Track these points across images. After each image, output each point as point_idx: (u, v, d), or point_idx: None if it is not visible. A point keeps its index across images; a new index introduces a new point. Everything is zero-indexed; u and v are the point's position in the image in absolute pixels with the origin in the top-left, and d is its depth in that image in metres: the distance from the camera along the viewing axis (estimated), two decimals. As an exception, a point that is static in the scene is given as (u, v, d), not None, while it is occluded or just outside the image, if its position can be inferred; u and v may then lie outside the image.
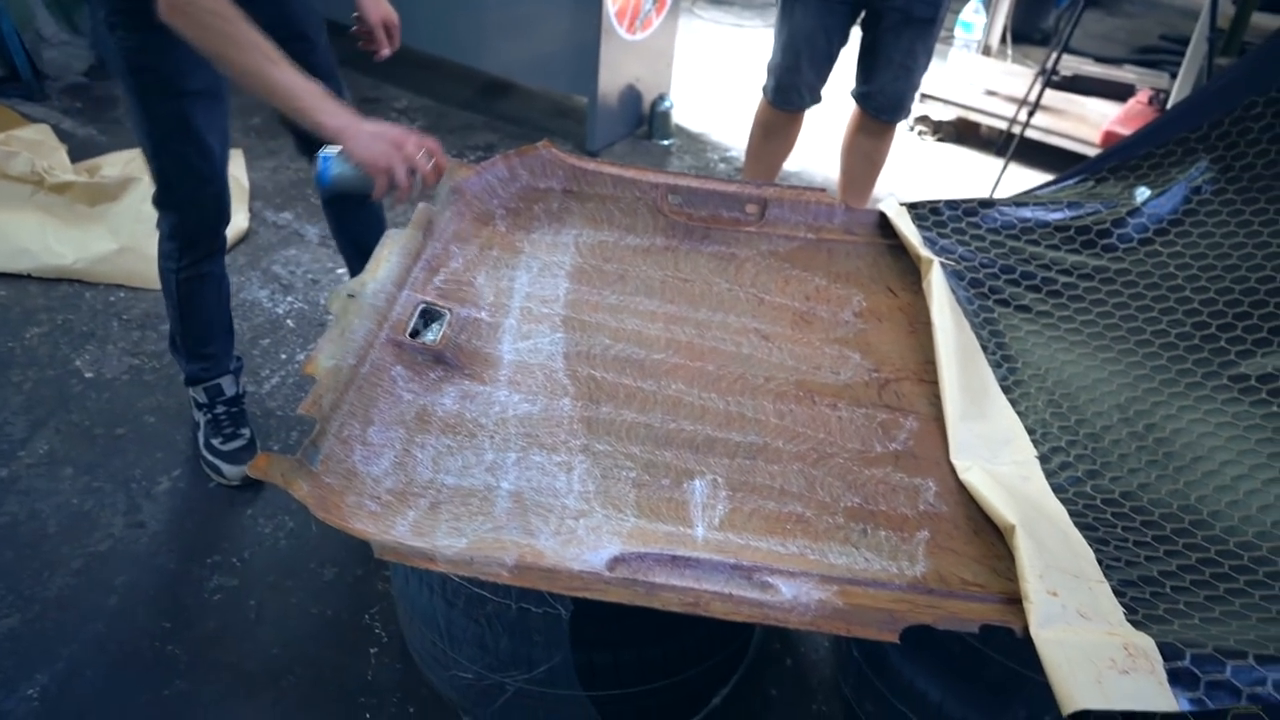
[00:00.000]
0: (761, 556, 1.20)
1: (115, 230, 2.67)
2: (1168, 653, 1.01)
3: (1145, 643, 1.03)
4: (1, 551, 1.83)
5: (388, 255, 1.59)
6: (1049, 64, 3.25)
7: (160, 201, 1.86)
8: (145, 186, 2.71)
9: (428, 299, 1.56)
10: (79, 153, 3.13)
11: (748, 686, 1.68)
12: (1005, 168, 3.14)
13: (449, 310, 1.55)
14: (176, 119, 1.75)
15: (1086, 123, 3.71)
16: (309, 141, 1.69)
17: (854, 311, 1.72)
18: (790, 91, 2.72)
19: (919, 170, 3.61)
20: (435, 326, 1.53)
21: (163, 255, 1.94)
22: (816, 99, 2.75)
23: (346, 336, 1.40)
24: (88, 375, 2.29)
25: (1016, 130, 3.29)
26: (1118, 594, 1.14)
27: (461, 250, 1.72)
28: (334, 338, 1.39)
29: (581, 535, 1.20)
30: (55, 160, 2.90)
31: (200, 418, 2.05)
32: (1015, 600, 1.13)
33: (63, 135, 3.21)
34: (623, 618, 1.39)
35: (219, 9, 1.47)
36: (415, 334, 1.50)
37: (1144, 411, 1.47)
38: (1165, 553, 1.23)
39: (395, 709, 1.61)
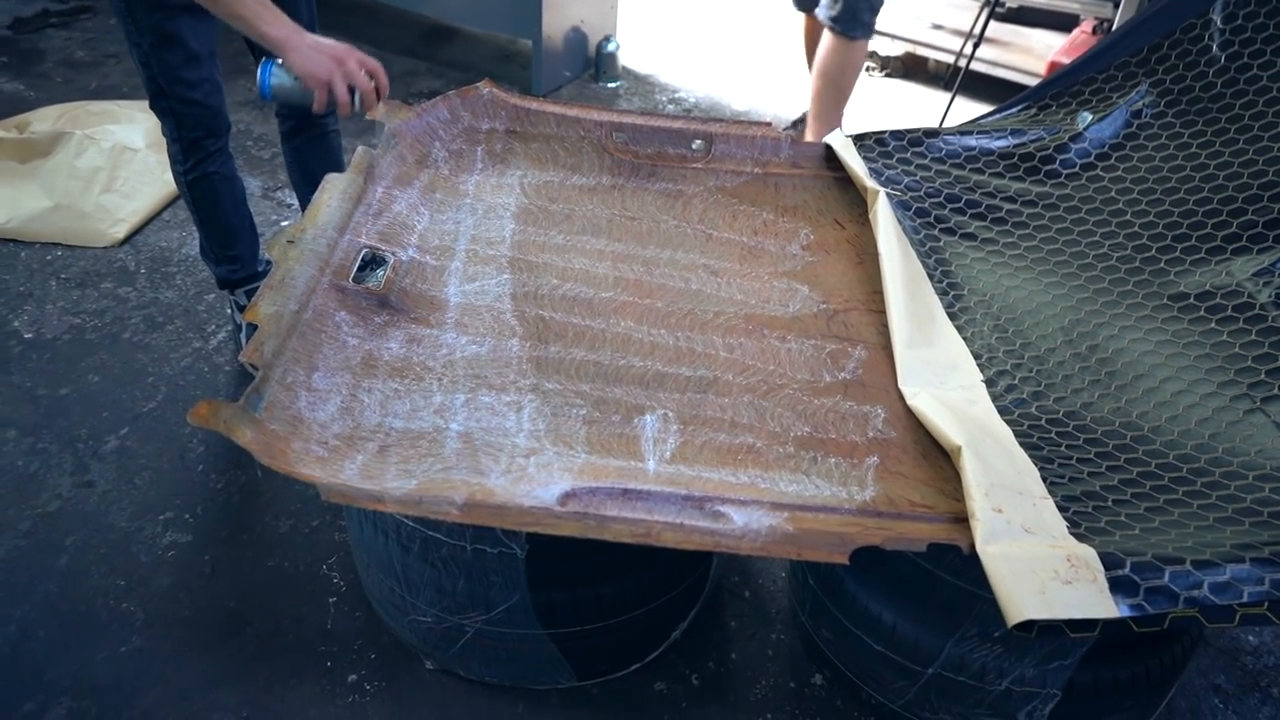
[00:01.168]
0: (713, 487, 1.21)
1: (49, 188, 2.59)
2: (1109, 562, 1.04)
3: (1087, 553, 1.05)
4: (-55, 517, 1.80)
5: (327, 200, 1.56)
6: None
7: (154, 107, 1.90)
8: (77, 141, 2.62)
9: (370, 243, 1.53)
10: (5, 109, 3.02)
11: (707, 619, 1.70)
12: (952, 101, 3.14)
13: (392, 254, 1.53)
14: (161, 30, 1.77)
15: (1032, 54, 3.72)
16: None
17: (801, 245, 1.72)
18: None
19: (867, 106, 3.60)
20: (379, 271, 1.51)
21: (170, 160, 1.99)
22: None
23: (287, 283, 1.38)
24: (27, 336, 2.23)
25: (963, 64, 3.29)
26: (1061, 509, 1.16)
27: (404, 193, 1.69)
28: (273, 284, 1.37)
29: (532, 473, 1.20)
30: (-19, 117, 2.79)
31: (244, 321, 2.03)
32: (962, 519, 1.15)
33: (-14, 92, 3.10)
34: (579, 555, 1.40)
35: None
36: (360, 279, 1.47)
37: (1086, 333, 1.49)
38: (1107, 468, 1.25)
39: (356, 655, 1.61)
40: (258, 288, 2.03)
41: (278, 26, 1.58)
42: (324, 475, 1.14)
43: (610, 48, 3.56)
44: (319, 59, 1.60)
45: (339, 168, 2.16)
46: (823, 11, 2.78)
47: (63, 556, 1.74)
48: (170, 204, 2.73)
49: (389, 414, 1.29)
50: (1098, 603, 1.01)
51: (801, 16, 3.07)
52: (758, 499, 1.18)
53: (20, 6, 3.74)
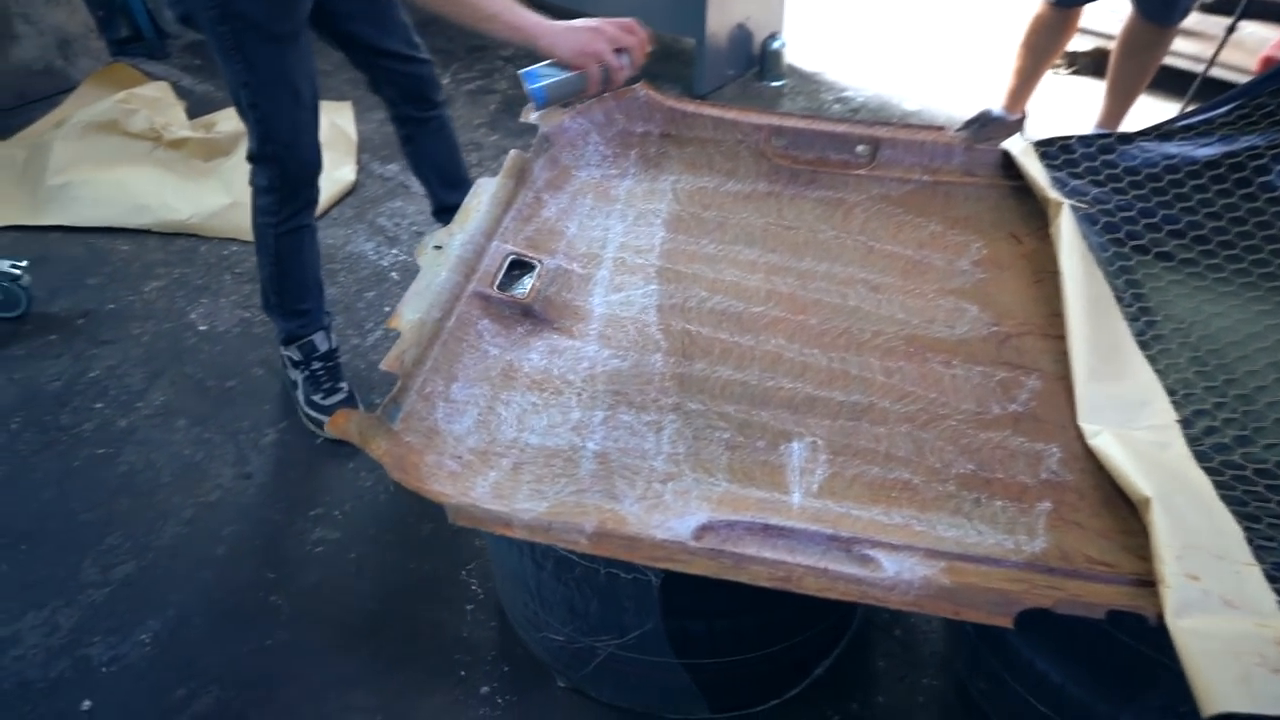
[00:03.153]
0: (862, 527, 1.11)
1: (228, 184, 2.72)
2: (1329, 650, 0.89)
3: (1302, 637, 0.90)
4: (119, 500, 1.89)
5: (477, 205, 1.54)
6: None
7: (259, 154, 1.85)
8: (255, 141, 2.74)
9: (517, 250, 1.50)
10: (197, 109, 3.19)
11: (853, 657, 1.60)
12: (1185, 108, 2.89)
13: (539, 261, 1.50)
14: (271, 65, 1.74)
15: (1243, 48, 3.37)
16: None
17: (972, 260, 1.59)
18: None
19: (1052, 107, 3.37)
20: (526, 279, 1.48)
21: (260, 211, 1.93)
22: None
23: (432, 289, 1.36)
24: (201, 328, 2.33)
25: (1167, 62, 3.02)
26: (1270, 579, 1.01)
27: (554, 199, 1.65)
28: (419, 290, 1.36)
29: (668, 500, 1.14)
30: (172, 116, 2.96)
31: (297, 376, 2.06)
32: (1149, 583, 1.02)
33: (182, 92, 3.28)
34: (716, 585, 1.32)
35: None
36: (504, 286, 1.45)
37: (1306, 370, 1.31)
38: (1328, 532, 1.08)
39: (490, 666, 1.59)
40: (311, 342, 2.05)
41: (529, 16, 1.52)
42: (455, 492, 1.11)
43: (776, 45, 3.46)
44: (579, 35, 1.51)
45: (453, 146, 2.17)
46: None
47: (220, 546, 1.80)
48: (338, 202, 2.82)
49: (525, 429, 1.25)
50: (1314, 698, 0.87)
51: (1018, 6, 2.96)
52: (911, 544, 1.08)
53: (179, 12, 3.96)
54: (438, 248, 1.44)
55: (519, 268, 1.49)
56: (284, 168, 1.87)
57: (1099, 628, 1.21)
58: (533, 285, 1.45)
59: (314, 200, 1.96)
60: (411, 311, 1.32)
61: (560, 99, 1.62)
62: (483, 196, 1.56)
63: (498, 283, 1.43)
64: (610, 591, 1.32)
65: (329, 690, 1.56)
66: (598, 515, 1.08)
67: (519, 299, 1.42)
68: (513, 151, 1.64)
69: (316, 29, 1.90)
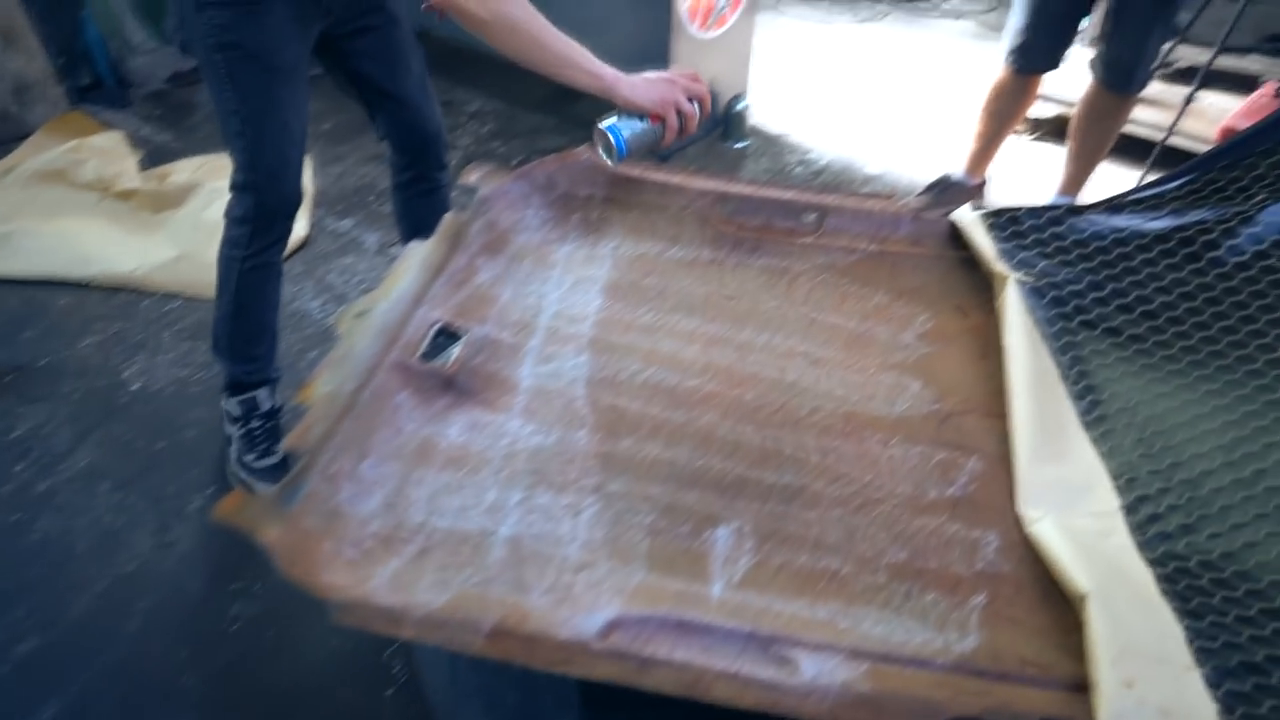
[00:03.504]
0: (784, 623, 1.05)
1: (175, 237, 2.66)
2: (1270, 771, 0.83)
3: (1242, 756, 0.84)
4: (30, 568, 1.80)
5: (406, 269, 1.49)
6: (1165, 56, 2.98)
7: (241, 183, 1.82)
8: (207, 193, 2.70)
9: (446, 317, 1.45)
10: (155, 158, 3.15)
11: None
12: (1143, 179, 2.89)
13: (467, 330, 1.44)
14: (263, 96, 1.73)
15: (1203, 118, 3.40)
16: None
17: (917, 333, 1.55)
18: (1027, 55, 2.73)
19: (1015, 172, 3.37)
20: (451, 348, 1.42)
21: (230, 243, 1.89)
22: (1054, 64, 2.76)
23: (350, 359, 1.30)
24: (134, 387, 2.26)
25: (1142, 133, 3.03)
26: (1211, 685, 0.95)
27: (489, 263, 1.60)
28: (335, 361, 1.29)
29: (579, 592, 1.07)
30: (124, 167, 2.91)
31: (234, 432, 1.99)
32: (1084, 687, 0.95)
33: (140, 142, 3.24)
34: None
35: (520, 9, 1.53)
36: (428, 356, 1.39)
37: (1253, 454, 1.26)
38: (1274, 631, 1.03)
39: (408, 756, 1.51)
40: (254, 399, 1.99)
41: (606, 66, 1.52)
42: (350, 583, 1.04)
43: (740, 107, 3.46)
44: (659, 86, 1.53)
45: (445, 209, 2.13)
46: (1092, 64, 2.72)
47: (133, 621, 1.71)
48: (288, 256, 2.76)
49: (436, 511, 1.18)
50: (1254, 825, 0.81)
51: (991, 71, 2.96)
52: (834, 643, 1.01)
53: (179, 61, 3.93)
54: (360, 314, 1.38)
55: (447, 336, 1.43)
56: (263, 199, 1.83)
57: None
58: (458, 355, 1.39)
59: (286, 237, 1.93)
60: (326, 383, 1.25)
61: (639, 150, 1.60)
62: (412, 261, 1.50)
63: (421, 352, 1.37)
64: (527, 683, 1.25)
65: (235, 781, 1.47)
66: (500, 610, 1.01)
67: (442, 370, 1.36)
68: (448, 214, 1.59)
69: (326, 66, 1.90)
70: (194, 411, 2.18)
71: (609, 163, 1.54)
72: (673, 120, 1.52)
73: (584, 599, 1.05)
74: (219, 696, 1.59)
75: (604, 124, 1.53)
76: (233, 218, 1.89)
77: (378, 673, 1.63)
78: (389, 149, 2.13)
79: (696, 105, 1.57)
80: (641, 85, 1.52)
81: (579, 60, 1.52)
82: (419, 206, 2.17)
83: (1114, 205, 1.68)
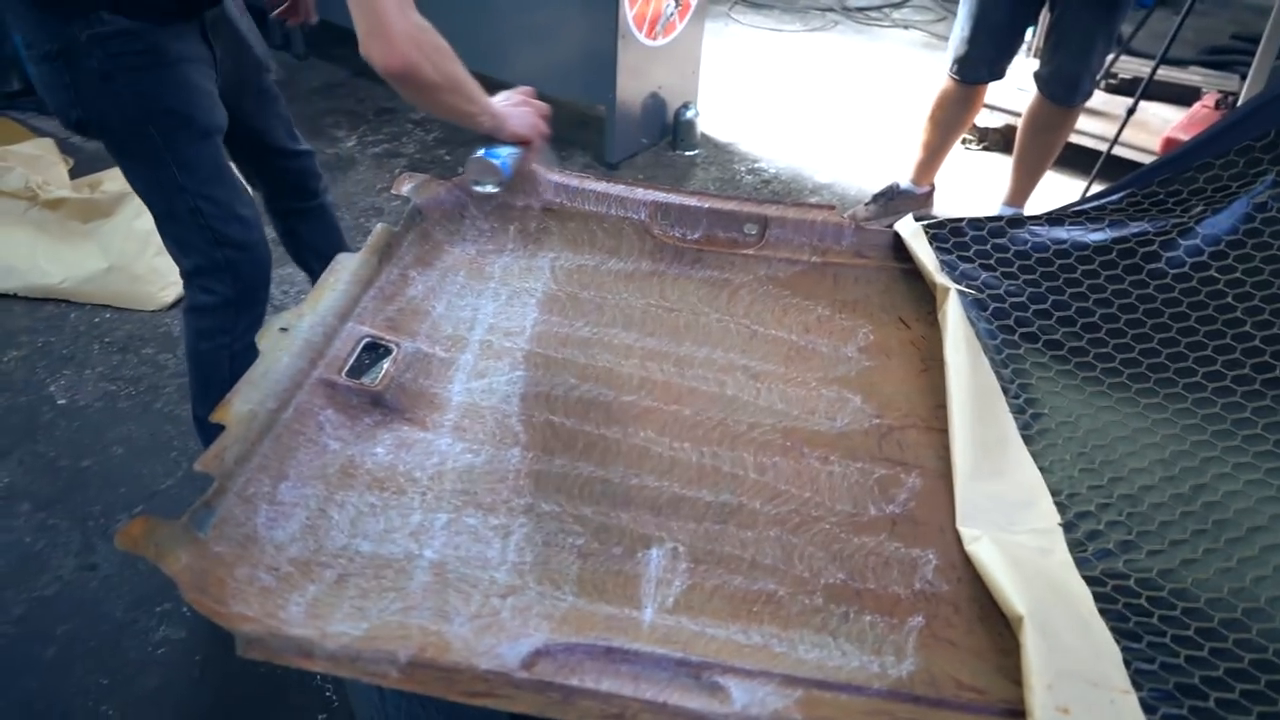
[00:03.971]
0: (717, 649, 1.01)
1: (105, 248, 2.58)
2: (1205, 798, 0.81)
3: (1177, 783, 0.82)
4: (-57, 595, 1.72)
5: (334, 283, 1.43)
6: (1108, 68, 3.01)
7: (207, 266, 1.63)
8: (139, 203, 2.60)
9: (374, 332, 1.40)
10: (85, 167, 3.05)
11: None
12: (1087, 189, 2.91)
13: (396, 345, 1.39)
14: (206, 163, 1.57)
15: (1146, 129, 3.44)
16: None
17: (859, 346, 1.53)
18: (970, 65, 2.75)
19: (960, 182, 3.38)
20: (380, 364, 1.38)
21: (207, 334, 1.69)
22: (997, 75, 2.80)
23: (269, 377, 1.24)
24: (60, 402, 2.18)
25: (1073, 140, 3.05)
26: (1148, 708, 0.93)
27: (422, 276, 1.56)
28: (254, 379, 1.24)
29: (505, 619, 1.03)
30: (52, 175, 2.82)
31: None
32: (1018, 713, 0.93)
33: (70, 149, 3.14)
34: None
35: (438, 41, 1.41)
36: (355, 373, 1.34)
37: (1192, 469, 1.25)
38: (1211, 652, 1.02)
39: (338, 787, 1.46)
40: None
41: (487, 101, 1.46)
42: (261, 613, 0.99)
43: (689, 115, 3.44)
44: (523, 113, 1.50)
45: (336, 230, 2.06)
46: (1036, 76, 2.74)
47: (51, 648, 1.64)
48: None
49: (358, 534, 1.13)
50: None
51: (929, 81, 3.02)
52: (768, 669, 0.98)
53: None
54: (283, 330, 1.33)
55: (375, 352, 1.38)
56: (239, 273, 1.67)
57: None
58: (386, 371, 1.34)
59: (267, 303, 1.79)
60: (243, 402, 1.20)
61: (516, 176, 1.58)
62: (341, 274, 1.45)
63: (347, 369, 1.32)
64: (457, 712, 1.20)
65: (154, 817, 1.41)
66: (419, 640, 0.97)
67: (369, 387, 1.31)
68: (379, 225, 1.54)
69: None
70: (122, 427, 2.11)
71: (491, 190, 1.52)
72: (538, 144, 1.50)
73: (510, 626, 1.01)
74: (140, 726, 1.53)
75: (484, 154, 1.51)
76: (203, 307, 1.68)
77: (309, 697, 1.57)
78: (264, 198, 1.99)
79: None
80: (515, 115, 1.49)
81: (472, 92, 1.45)
82: (311, 231, 2.05)
83: (1055, 217, 1.68)
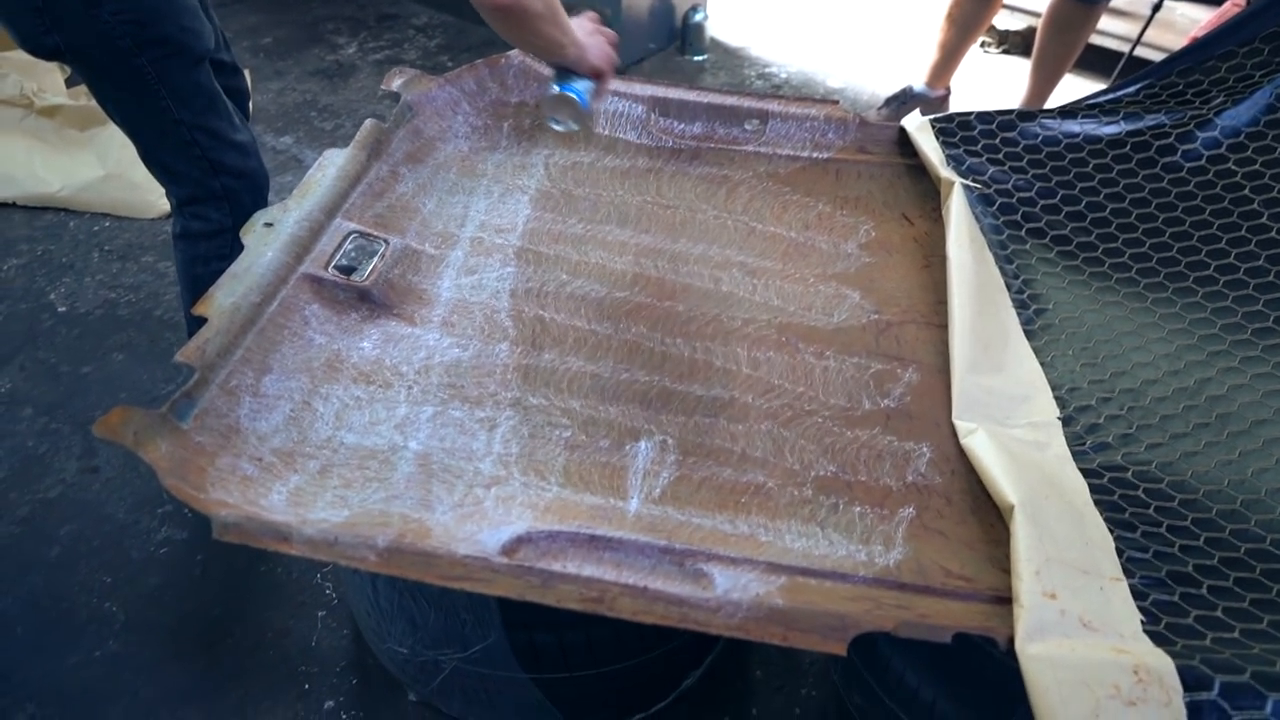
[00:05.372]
0: (702, 537, 1.00)
1: (103, 156, 2.54)
2: (1190, 680, 0.80)
3: (1162, 664, 0.81)
4: (-51, 497, 1.74)
5: (321, 179, 1.40)
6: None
7: (204, 194, 1.56)
8: (136, 109, 2.56)
9: (361, 227, 1.37)
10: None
11: (727, 665, 1.50)
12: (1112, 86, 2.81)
13: (385, 241, 1.37)
14: (200, 91, 1.48)
15: (1173, 29, 3.31)
16: None
17: (859, 243, 1.49)
18: None
19: (979, 86, 3.28)
20: (368, 260, 1.35)
21: (204, 259, 1.61)
22: None
23: (253, 271, 1.22)
24: (61, 309, 2.17)
25: (1095, 41, 2.94)
26: (1138, 595, 0.92)
27: (412, 173, 1.52)
28: (238, 273, 1.22)
29: (488, 508, 1.02)
30: (47, 83, 2.76)
31: None
32: (1006, 600, 0.92)
33: (68, 57, 3.08)
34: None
35: None
36: (343, 268, 1.31)
37: (1198, 363, 1.22)
38: (1207, 542, 1.00)
39: (338, 679, 1.47)
40: None
41: (575, 32, 1.30)
42: (242, 500, 0.98)
43: (698, 18, 3.33)
44: (600, 47, 1.34)
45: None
46: None
47: (55, 548, 1.65)
48: (225, 176, 2.65)
49: (343, 426, 1.12)
50: (1170, 736, 0.78)
51: None
52: (753, 557, 0.97)
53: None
54: (268, 225, 1.30)
55: (364, 248, 1.36)
56: (238, 201, 1.59)
57: (971, 641, 1.12)
58: (374, 267, 1.32)
59: None
60: (225, 295, 1.18)
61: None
62: (329, 169, 1.42)
63: (335, 264, 1.30)
64: (446, 602, 1.21)
65: (158, 707, 1.43)
66: (400, 527, 0.96)
67: (356, 282, 1.28)
68: (368, 121, 1.50)
69: None
70: (123, 334, 2.10)
71: (572, 127, 1.40)
72: (610, 76, 1.36)
73: (493, 515, 1.00)
74: (143, 622, 1.54)
75: (561, 89, 1.35)
76: (199, 233, 1.60)
77: (311, 595, 1.58)
78: None
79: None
80: (594, 47, 1.34)
81: (567, 24, 1.29)
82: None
83: (1068, 110, 1.61)
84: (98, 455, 1.82)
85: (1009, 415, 1.18)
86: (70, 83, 2.88)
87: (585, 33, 1.34)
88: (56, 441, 1.85)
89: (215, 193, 1.57)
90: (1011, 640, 0.86)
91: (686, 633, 1.35)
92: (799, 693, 1.47)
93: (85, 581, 1.60)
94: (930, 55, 2.87)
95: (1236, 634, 0.88)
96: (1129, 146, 1.53)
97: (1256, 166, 1.42)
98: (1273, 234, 1.32)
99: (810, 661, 1.51)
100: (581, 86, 1.35)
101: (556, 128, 1.38)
